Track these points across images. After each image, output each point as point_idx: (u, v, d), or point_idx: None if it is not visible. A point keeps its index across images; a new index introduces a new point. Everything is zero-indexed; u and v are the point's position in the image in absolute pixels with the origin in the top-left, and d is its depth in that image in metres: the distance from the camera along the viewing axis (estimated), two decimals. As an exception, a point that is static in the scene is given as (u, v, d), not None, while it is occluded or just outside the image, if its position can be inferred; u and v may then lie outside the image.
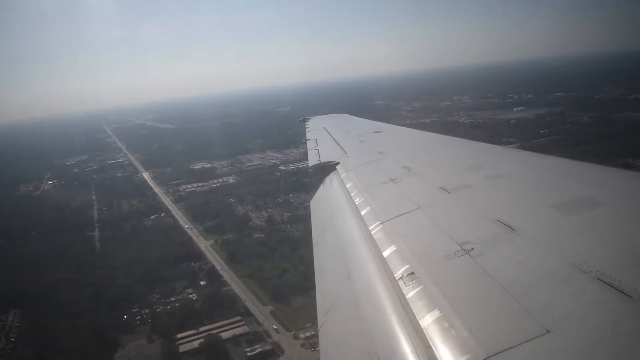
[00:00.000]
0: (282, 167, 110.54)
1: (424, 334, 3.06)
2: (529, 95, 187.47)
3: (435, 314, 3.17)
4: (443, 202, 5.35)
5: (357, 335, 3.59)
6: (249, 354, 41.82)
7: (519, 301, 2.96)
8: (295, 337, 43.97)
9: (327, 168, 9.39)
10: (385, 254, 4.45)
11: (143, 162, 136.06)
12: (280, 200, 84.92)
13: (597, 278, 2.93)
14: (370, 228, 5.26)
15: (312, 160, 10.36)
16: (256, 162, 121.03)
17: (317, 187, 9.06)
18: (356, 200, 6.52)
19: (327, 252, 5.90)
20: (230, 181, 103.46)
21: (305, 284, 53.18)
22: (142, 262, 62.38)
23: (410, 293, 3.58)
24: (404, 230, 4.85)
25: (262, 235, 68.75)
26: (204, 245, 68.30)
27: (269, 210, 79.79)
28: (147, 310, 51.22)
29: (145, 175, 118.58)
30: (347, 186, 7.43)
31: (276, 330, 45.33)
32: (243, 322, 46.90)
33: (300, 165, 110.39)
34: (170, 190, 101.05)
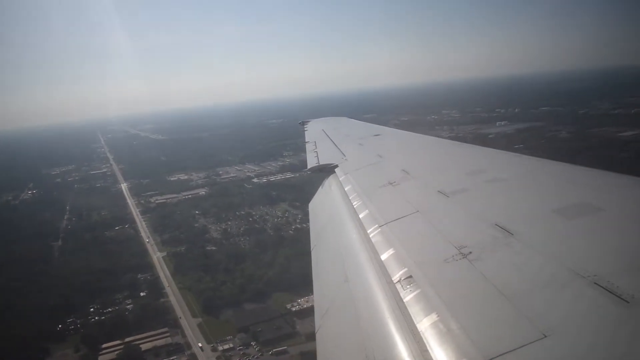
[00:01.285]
0: (255, 180, 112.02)
1: (421, 337, 3.08)
2: (516, 110, 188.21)
3: (433, 317, 3.18)
4: (441, 206, 5.35)
5: (354, 338, 3.59)
6: (163, 365, 42.86)
7: (517, 305, 2.96)
8: (214, 350, 44.83)
9: (326, 171, 9.45)
10: (383, 257, 4.46)
11: (125, 173, 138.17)
12: (242, 212, 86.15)
13: (595, 283, 2.93)
14: (368, 231, 5.28)
15: (311, 163, 10.44)
16: (232, 175, 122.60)
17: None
18: (355, 203, 6.54)
19: (325, 255, 5.93)
20: (202, 193, 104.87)
21: (240, 297, 54.48)
22: (92, 272, 63.62)
23: (408, 296, 3.59)
24: (402, 233, 4.86)
25: (214, 248, 69.95)
26: (157, 256, 69.45)
27: (229, 223, 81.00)
28: (81, 320, 52.34)
29: (123, 186, 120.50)
30: (346, 189, 7.47)
31: (200, 345, 45.92)
32: (168, 334, 47.86)
33: (272, 178, 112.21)
34: (142, 201, 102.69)
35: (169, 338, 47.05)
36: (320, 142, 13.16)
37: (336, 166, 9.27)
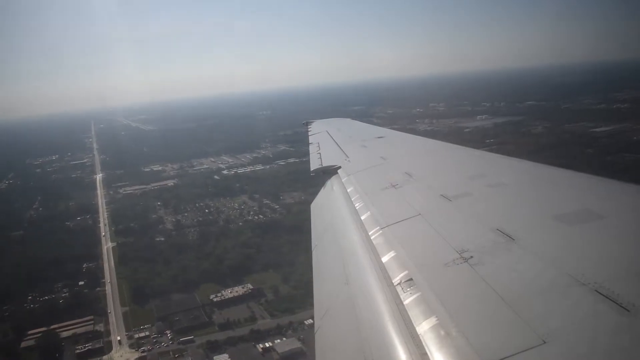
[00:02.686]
0: (224, 172, 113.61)
1: (420, 340, 3.07)
2: (501, 104, 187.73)
3: (432, 321, 3.17)
4: (443, 209, 5.34)
5: (354, 340, 3.58)
6: (77, 351, 44.67)
7: (517, 311, 2.96)
8: (130, 338, 46.60)
9: (329, 172, 9.46)
10: (384, 259, 4.47)
11: (104, 163, 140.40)
12: (201, 204, 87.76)
13: (595, 290, 2.92)
14: (370, 233, 5.29)
15: (314, 165, 10.44)
16: (205, 166, 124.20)
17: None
18: (357, 204, 6.53)
19: (325, 256, 5.94)
20: (170, 184, 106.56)
21: (170, 287, 56.14)
22: (41, 261, 65.54)
23: (408, 299, 3.59)
24: (403, 236, 4.87)
25: (162, 239, 71.63)
26: (107, 247, 71.32)
27: (185, 215, 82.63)
28: (15, 308, 54.26)
29: (98, 177, 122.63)
30: (348, 190, 7.47)
31: (118, 338, 46.97)
32: (92, 322, 49.67)
33: (241, 170, 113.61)
34: (111, 192, 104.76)
35: (92, 326, 48.88)
36: (324, 143, 12.98)
37: (339, 167, 9.32)
